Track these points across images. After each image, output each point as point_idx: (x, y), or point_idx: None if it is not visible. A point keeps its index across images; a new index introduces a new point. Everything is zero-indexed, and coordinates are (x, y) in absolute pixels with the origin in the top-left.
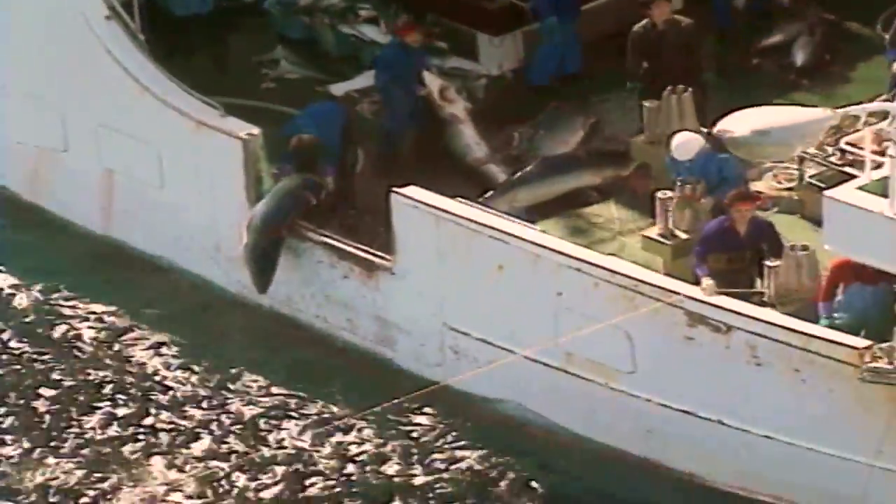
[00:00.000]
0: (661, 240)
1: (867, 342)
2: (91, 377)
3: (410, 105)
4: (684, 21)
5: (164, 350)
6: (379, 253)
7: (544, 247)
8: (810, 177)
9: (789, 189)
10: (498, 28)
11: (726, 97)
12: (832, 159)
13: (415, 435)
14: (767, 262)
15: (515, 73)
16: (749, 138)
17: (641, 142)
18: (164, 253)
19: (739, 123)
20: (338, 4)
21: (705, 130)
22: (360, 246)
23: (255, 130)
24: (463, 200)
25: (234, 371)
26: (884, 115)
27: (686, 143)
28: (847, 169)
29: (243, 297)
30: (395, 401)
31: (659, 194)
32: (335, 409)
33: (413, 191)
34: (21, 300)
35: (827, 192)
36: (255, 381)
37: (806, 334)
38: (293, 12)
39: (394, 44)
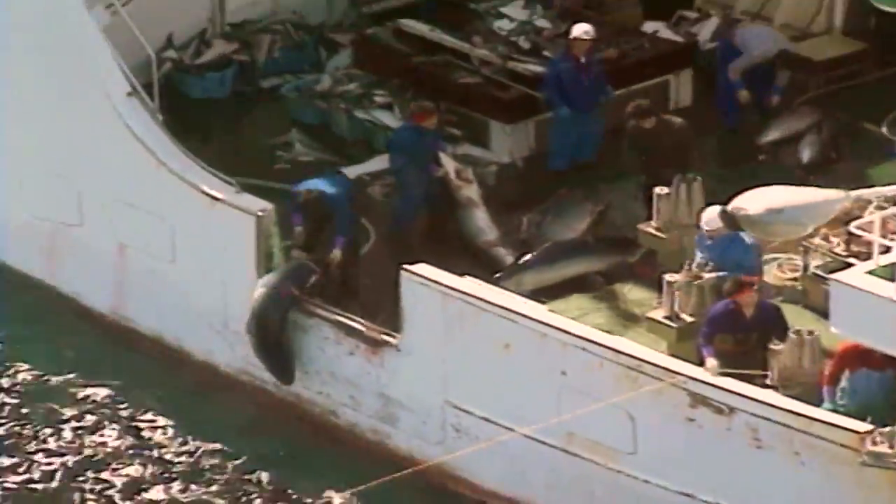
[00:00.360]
0: (667, 322)
1: (868, 426)
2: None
3: (424, 186)
4: (677, 122)
5: (161, 427)
6: (385, 330)
7: (550, 325)
8: (815, 267)
9: (793, 279)
10: (510, 117)
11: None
12: (837, 250)
13: None
14: (771, 345)
15: (526, 160)
16: (763, 216)
17: (650, 229)
18: (171, 328)
19: (754, 201)
20: (354, 90)
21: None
22: (366, 323)
23: (269, 206)
24: (471, 279)
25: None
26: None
27: (713, 217)
28: (851, 260)
29: (249, 374)
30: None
31: (666, 277)
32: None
33: (422, 268)
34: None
35: (835, 276)
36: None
37: (807, 417)
38: (309, 97)
39: (409, 126)
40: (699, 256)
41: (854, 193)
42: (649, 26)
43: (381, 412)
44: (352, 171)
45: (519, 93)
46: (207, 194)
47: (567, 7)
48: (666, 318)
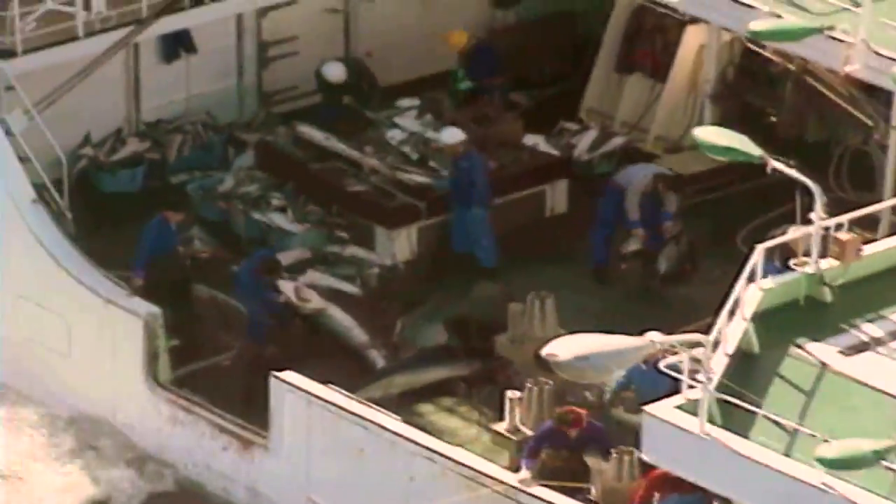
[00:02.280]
0: (508, 435)
1: None
2: None
3: (267, 313)
4: None
5: None
6: (255, 430)
7: (400, 435)
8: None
9: None
10: (393, 223)
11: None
12: None
13: None
14: (591, 463)
15: (408, 263)
16: (570, 362)
17: (505, 340)
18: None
19: (563, 348)
20: (253, 192)
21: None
22: (238, 422)
23: (156, 310)
24: (333, 387)
25: None
26: (697, 344)
27: None
28: None
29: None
30: None
31: (508, 393)
32: None
33: (290, 375)
34: None
35: (646, 408)
36: None
37: None
38: (211, 196)
39: (250, 269)
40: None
41: (658, 340)
42: (529, 139)
43: None
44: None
45: (403, 201)
46: (101, 296)
47: (455, 120)
48: (507, 430)
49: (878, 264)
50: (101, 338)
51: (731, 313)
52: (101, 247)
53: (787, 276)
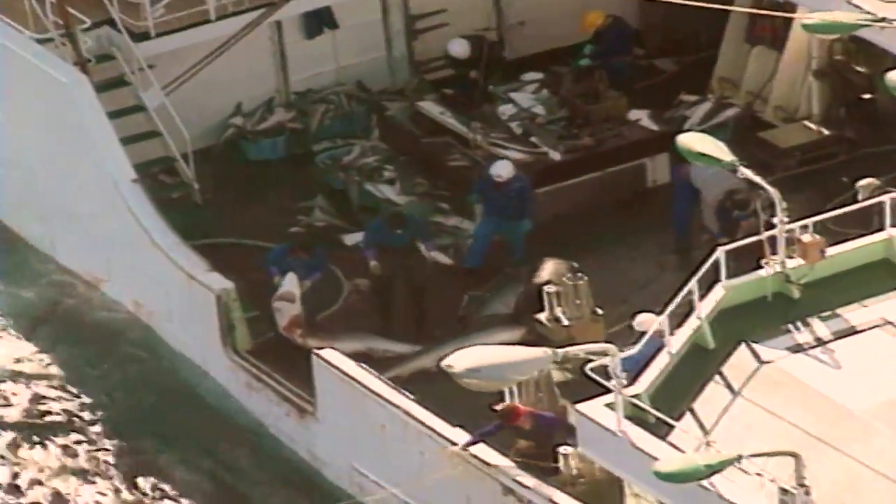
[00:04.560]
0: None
1: None
2: None
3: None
4: None
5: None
6: (307, 399)
7: (411, 415)
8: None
9: None
10: None
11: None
12: None
13: None
14: (560, 449)
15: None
16: (462, 374)
17: (543, 319)
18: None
19: (459, 360)
20: (371, 164)
21: (600, 312)
22: (296, 391)
23: (230, 286)
24: (364, 367)
25: None
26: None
27: None
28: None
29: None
30: None
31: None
32: None
33: (329, 353)
34: None
35: (577, 406)
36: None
37: None
38: (335, 167)
39: (284, 248)
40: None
41: (560, 351)
42: (633, 114)
43: (313, 465)
44: (350, 238)
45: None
46: (185, 272)
47: (564, 96)
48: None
49: (844, 265)
50: (188, 308)
51: (688, 314)
52: (235, 214)
53: (752, 275)
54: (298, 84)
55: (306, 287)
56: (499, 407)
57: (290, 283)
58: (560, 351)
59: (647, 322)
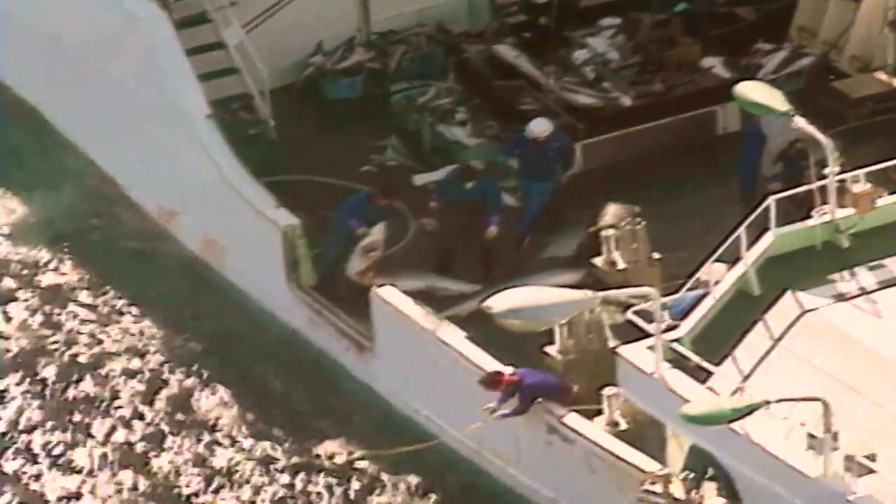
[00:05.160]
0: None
1: (655, 467)
2: None
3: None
4: None
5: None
6: (366, 335)
7: (461, 353)
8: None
9: None
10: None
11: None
12: None
13: None
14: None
15: (570, 178)
16: (502, 314)
17: (600, 263)
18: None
19: (499, 301)
20: (444, 106)
21: (656, 257)
22: (356, 327)
23: (295, 222)
24: (420, 304)
25: None
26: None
27: None
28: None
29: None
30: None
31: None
32: None
33: (387, 291)
34: None
35: (620, 349)
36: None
37: (612, 454)
38: (409, 108)
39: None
40: None
41: (601, 294)
42: (707, 61)
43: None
44: (420, 179)
45: (565, 121)
46: (253, 207)
47: (640, 42)
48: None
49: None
50: (256, 243)
51: (736, 259)
52: (310, 152)
53: (801, 224)
54: (379, 24)
55: (387, 234)
56: (481, 377)
57: (379, 233)
58: (600, 294)
59: (717, 272)
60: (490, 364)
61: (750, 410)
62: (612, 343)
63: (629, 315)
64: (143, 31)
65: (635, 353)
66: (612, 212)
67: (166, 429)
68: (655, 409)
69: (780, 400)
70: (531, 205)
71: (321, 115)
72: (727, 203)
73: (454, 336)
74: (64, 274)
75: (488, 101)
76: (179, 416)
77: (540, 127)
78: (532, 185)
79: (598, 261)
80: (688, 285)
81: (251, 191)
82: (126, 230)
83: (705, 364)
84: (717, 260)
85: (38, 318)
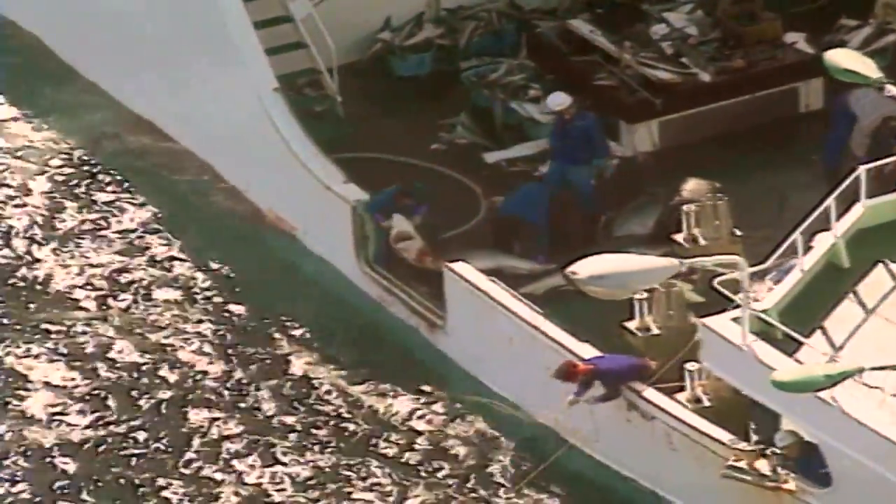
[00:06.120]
0: (636, 332)
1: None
2: None
3: None
4: None
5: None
6: (437, 312)
7: (538, 329)
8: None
9: None
10: (632, 118)
11: None
12: None
13: None
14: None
15: (648, 156)
16: (586, 281)
17: (682, 238)
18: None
19: (584, 267)
20: (517, 82)
21: (739, 234)
22: (426, 304)
23: (365, 197)
24: (496, 281)
25: None
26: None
27: None
28: None
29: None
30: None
31: (636, 296)
32: None
33: (461, 266)
34: None
35: (703, 320)
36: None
37: (695, 429)
38: (480, 84)
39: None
40: None
41: (687, 262)
42: (790, 37)
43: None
44: (492, 157)
45: (643, 97)
46: (322, 182)
47: (719, 17)
48: (637, 329)
49: None
50: (324, 218)
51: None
52: (377, 129)
53: (892, 195)
54: (449, 1)
55: (418, 221)
56: (555, 370)
57: (400, 223)
58: (686, 261)
59: None
60: (567, 341)
61: (843, 377)
62: (690, 319)
63: (715, 284)
64: (211, 2)
65: (721, 325)
66: (691, 187)
67: None
68: (742, 382)
69: (876, 368)
70: (583, 191)
71: (389, 93)
72: (809, 182)
73: (530, 312)
74: None
75: (562, 77)
76: None
77: (556, 100)
78: (569, 171)
79: (678, 237)
80: (776, 254)
81: (319, 165)
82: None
83: (795, 335)
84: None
85: None
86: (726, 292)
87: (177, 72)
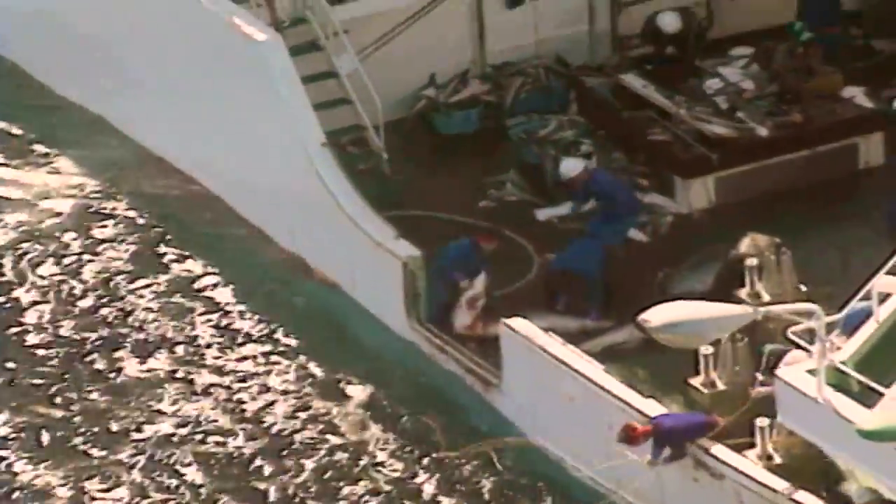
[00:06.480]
0: (702, 389)
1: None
2: None
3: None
4: None
5: None
6: (492, 370)
7: (600, 386)
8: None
9: None
10: (687, 173)
11: None
12: None
13: None
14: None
15: (702, 213)
16: (659, 329)
17: (745, 294)
18: None
19: (657, 314)
20: (568, 138)
21: (803, 289)
22: (480, 362)
23: (417, 253)
24: (554, 336)
25: None
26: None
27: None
28: None
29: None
30: None
31: (702, 350)
32: None
33: (518, 322)
34: None
35: (778, 372)
36: None
37: (773, 490)
38: (529, 141)
39: (467, 245)
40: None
41: (762, 310)
42: (848, 91)
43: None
44: (543, 214)
45: (698, 152)
46: (372, 238)
47: (776, 70)
48: (702, 384)
49: None
50: (374, 276)
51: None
52: (423, 187)
53: None
54: (495, 56)
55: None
56: (617, 435)
57: (481, 284)
58: (762, 309)
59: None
60: (632, 398)
61: None
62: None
63: (789, 334)
64: (259, 55)
65: (795, 377)
66: (749, 242)
67: None
68: (819, 437)
69: None
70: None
71: (434, 150)
72: (871, 238)
73: (592, 369)
74: None
75: (614, 132)
76: None
77: (569, 166)
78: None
79: (741, 293)
80: (856, 298)
81: (369, 221)
82: None
83: (874, 385)
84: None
85: None
86: (802, 342)
87: (220, 124)
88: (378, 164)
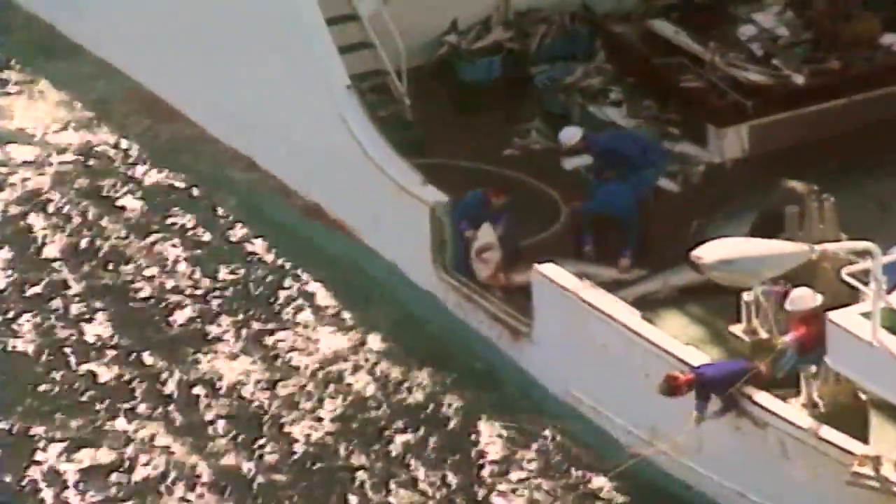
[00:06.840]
0: (743, 336)
1: (862, 449)
2: None
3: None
4: None
5: None
6: (522, 320)
7: (637, 333)
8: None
9: None
10: (722, 121)
11: None
12: None
13: None
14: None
15: (735, 162)
16: (714, 265)
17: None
18: None
19: (711, 251)
20: (595, 86)
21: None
22: (509, 311)
23: (444, 199)
24: (587, 282)
25: None
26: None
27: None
28: None
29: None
30: None
31: (744, 296)
32: None
33: (551, 269)
34: None
35: (830, 315)
36: None
37: (817, 436)
38: (555, 89)
39: (478, 197)
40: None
41: (819, 247)
42: (887, 38)
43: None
44: (569, 163)
45: (733, 100)
46: (397, 183)
47: (811, 17)
48: (744, 332)
49: None
50: (398, 221)
51: None
52: (446, 135)
53: None
54: (519, 2)
55: (500, 231)
56: (658, 386)
57: (487, 235)
58: (818, 247)
59: None
60: (671, 345)
61: None
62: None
63: (843, 275)
64: None
65: (848, 319)
66: (786, 189)
67: None
68: (873, 381)
69: None
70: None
71: (456, 97)
72: None
73: (628, 315)
74: None
75: (645, 80)
76: None
77: (567, 135)
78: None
79: (781, 237)
80: None
81: (394, 166)
82: None
83: None
84: None
85: None
86: (857, 283)
87: (241, 68)
88: (400, 111)
